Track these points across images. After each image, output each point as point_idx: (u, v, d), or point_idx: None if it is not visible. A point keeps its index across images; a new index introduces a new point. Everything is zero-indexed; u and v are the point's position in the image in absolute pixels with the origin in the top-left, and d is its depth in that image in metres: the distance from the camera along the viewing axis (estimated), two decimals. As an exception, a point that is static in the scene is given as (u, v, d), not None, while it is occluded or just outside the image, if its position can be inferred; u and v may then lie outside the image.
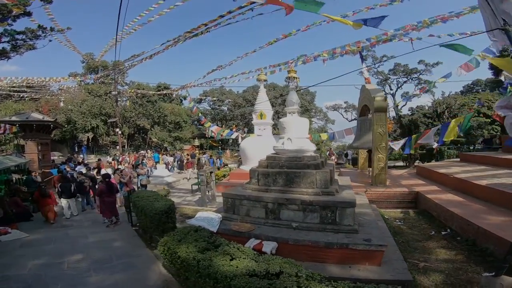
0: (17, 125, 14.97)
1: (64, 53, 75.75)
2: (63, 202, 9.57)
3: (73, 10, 69.09)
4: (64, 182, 9.69)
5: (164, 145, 35.72)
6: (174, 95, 37.97)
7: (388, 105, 11.12)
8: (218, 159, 23.53)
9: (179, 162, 23.71)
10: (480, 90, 36.62)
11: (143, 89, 35.28)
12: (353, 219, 5.30)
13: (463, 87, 40.32)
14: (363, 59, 16.84)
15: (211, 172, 11.61)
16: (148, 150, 28.09)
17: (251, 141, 15.31)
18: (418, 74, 39.27)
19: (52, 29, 17.30)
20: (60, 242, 6.90)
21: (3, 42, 17.32)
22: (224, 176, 15.97)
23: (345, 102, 46.53)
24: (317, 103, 44.92)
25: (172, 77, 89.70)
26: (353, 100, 48.89)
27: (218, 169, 18.18)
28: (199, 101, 50.07)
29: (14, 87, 25.38)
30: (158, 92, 34.12)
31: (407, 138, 13.86)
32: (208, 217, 5.88)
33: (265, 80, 16.68)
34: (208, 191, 11.25)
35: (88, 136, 32.90)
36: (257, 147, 14.61)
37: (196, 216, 6.00)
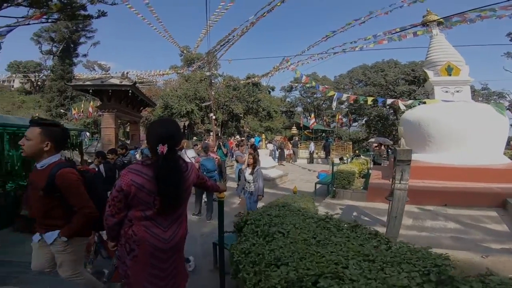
0: (91, 91, 10.75)
1: (163, 52, 79.10)
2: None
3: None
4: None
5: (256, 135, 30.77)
6: (263, 83, 32.90)
7: None
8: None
9: (279, 150, 17.38)
10: None
11: (234, 80, 31.41)
12: None
13: None
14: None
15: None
16: (243, 138, 22.93)
17: (439, 111, 7.15)
18: None
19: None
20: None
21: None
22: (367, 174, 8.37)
23: None
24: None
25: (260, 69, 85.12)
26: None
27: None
28: (290, 89, 43.27)
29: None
30: (248, 80, 29.25)
31: None
32: None
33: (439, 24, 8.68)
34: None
35: (184, 123, 30.21)
36: (458, 120, 6.72)
37: None
